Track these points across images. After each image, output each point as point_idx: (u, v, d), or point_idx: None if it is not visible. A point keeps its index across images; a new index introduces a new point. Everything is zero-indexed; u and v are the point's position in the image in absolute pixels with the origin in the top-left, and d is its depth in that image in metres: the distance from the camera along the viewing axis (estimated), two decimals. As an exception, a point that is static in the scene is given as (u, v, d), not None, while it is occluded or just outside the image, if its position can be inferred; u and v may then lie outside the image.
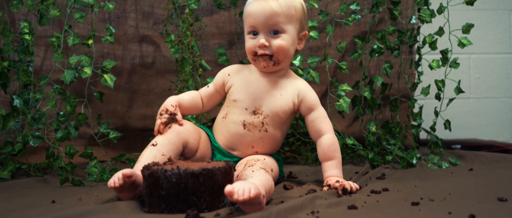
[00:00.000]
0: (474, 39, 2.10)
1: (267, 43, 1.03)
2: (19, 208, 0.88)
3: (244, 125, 1.07)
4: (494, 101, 2.14)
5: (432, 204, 0.85)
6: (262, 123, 1.07)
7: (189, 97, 1.10)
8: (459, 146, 1.74)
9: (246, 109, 1.07)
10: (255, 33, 1.05)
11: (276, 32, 1.03)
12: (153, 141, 1.02)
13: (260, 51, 1.04)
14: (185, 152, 1.05)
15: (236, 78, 1.10)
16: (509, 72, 2.15)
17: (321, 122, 1.07)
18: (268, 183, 0.89)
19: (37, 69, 1.53)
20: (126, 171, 0.86)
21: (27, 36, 1.25)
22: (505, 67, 2.14)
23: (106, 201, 0.90)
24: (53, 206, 0.90)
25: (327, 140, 1.06)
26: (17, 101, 1.21)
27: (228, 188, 0.76)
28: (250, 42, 1.05)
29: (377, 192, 0.98)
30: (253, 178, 0.87)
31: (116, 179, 0.85)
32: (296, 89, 1.08)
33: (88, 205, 0.89)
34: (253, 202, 0.77)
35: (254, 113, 1.07)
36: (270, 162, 1.05)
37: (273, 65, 1.06)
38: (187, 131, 1.04)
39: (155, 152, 0.98)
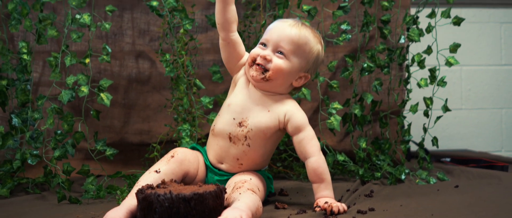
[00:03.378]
0: (465, 51, 2.14)
1: (269, 57, 1.07)
2: (18, 229, 0.91)
3: (230, 138, 1.10)
4: (485, 112, 2.18)
5: (415, 226, 0.89)
6: (245, 136, 1.09)
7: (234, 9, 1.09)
8: (448, 159, 1.78)
9: (234, 118, 1.11)
10: (265, 45, 1.09)
11: (281, 52, 1.08)
12: (156, 167, 1.04)
13: (258, 60, 1.08)
14: (185, 180, 1.09)
15: (242, 80, 1.14)
16: (500, 83, 2.19)
17: (306, 144, 1.08)
18: (255, 204, 0.93)
19: (35, 84, 1.56)
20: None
21: (25, 56, 1.29)
22: (496, 79, 2.19)
23: (102, 222, 0.93)
24: (50, 227, 0.93)
25: (313, 163, 1.07)
26: (15, 121, 1.24)
27: None
28: (256, 50, 1.10)
29: (363, 212, 1.01)
30: (240, 200, 0.91)
31: None
32: (284, 108, 1.10)
33: (84, 225, 0.92)
34: None
35: (240, 124, 1.10)
36: (257, 182, 1.08)
37: (262, 79, 1.08)
38: (188, 162, 1.08)
39: (157, 179, 1.01)
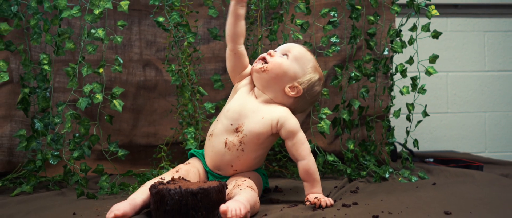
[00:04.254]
0: (451, 58, 2.29)
1: (273, 54, 1.24)
2: (47, 220, 1.05)
3: (226, 143, 1.22)
4: (470, 116, 2.32)
5: (389, 216, 1.03)
6: (240, 141, 1.21)
7: (243, 25, 1.23)
8: (432, 159, 1.92)
9: (231, 124, 1.22)
10: (276, 51, 1.27)
11: (285, 55, 1.24)
12: (162, 176, 1.17)
13: (265, 55, 1.24)
14: None
15: (243, 89, 1.26)
16: (484, 88, 2.33)
17: (298, 148, 1.21)
18: (253, 199, 1.07)
19: (50, 90, 1.70)
20: (120, 211, 1.00)
21: (45, 67, 1.43)
22: (480, 84, 2.33)
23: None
24: (74, 218, 1.07)
25: (304, 165, 1.20)
26: (38, 125, 1.38)
27: (222, 207, 0.94)
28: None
29: (348, 205, 1.16)
30: (241, 195, 1.05)
31: (111, 215, 0.99)
32: (277, 115, 1.22)
33: (103, 216, 1.06)
34: None
35: (236, 130, 1.21)
36: (255, 181, 1.21)
37: (260, 68, 1.22)
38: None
39: None
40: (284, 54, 1.24)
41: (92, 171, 1.40)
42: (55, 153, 1.37)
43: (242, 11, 1.23)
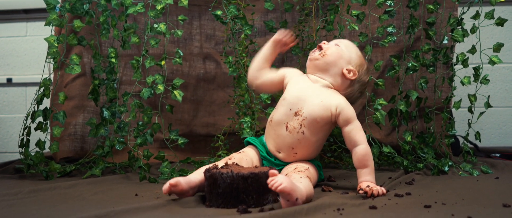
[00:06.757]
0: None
1: (327, 44, 1.32)
2: (112, 199, 1.14)
3: (287, 127, 1.27)
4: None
5: (442, 207, 1.01)
6: (301, 124, 1.25)
7: (268, 54, 1.35)
8: (498, 154, 1.83)
9: (290, 109, 1.27)
10: None
11: (337, 45, 1.32)
12: (215, 164, 1.21)
13: (321, 44, 1.32)
14: None
15: (294, 80, 1.32)
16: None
17: (356, 134, 1.23)
18: (310, 191, 1.09)
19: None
20: (174, 180, 1.06)
21: (113, 60, 1.54)
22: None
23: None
24: (136, 198, 1.15)
25: (361, 150, 1.22)
26: (106, 113, 1.49)
27: (273, 171, 0.98)
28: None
29: (400, 195, 1.14)
30: (301, 184, 1.07)
31: (166, 186, 1.06)
32: (335, 102, 1.26)
33: (163, 198, 1.13)
34: (284, 196, 0.97)
35: (296, 114, 1.26)
36: (313, 171, 1.25)
37: (319, 54, 1.30)
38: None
39: None
40: (336, 45, 1.31)
41: (154, 157, 1.49)
42: (121, 140, 1.48)
43: (274, 56, 1.35)
